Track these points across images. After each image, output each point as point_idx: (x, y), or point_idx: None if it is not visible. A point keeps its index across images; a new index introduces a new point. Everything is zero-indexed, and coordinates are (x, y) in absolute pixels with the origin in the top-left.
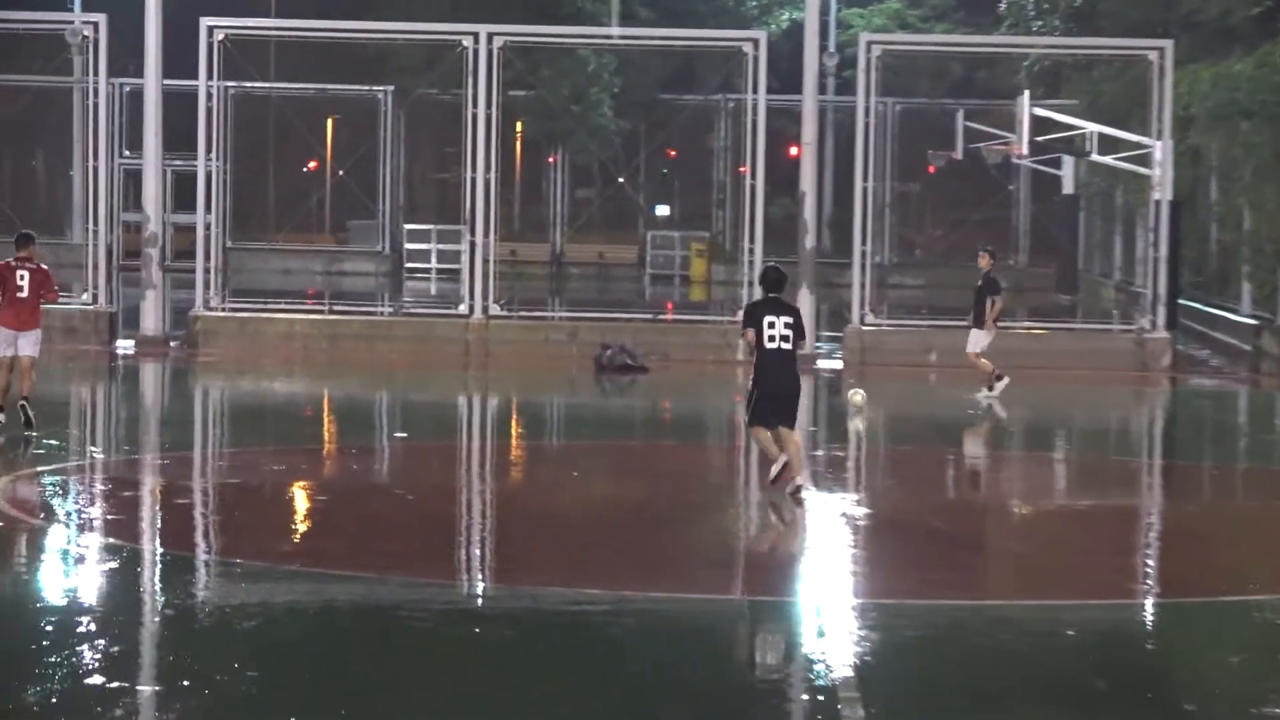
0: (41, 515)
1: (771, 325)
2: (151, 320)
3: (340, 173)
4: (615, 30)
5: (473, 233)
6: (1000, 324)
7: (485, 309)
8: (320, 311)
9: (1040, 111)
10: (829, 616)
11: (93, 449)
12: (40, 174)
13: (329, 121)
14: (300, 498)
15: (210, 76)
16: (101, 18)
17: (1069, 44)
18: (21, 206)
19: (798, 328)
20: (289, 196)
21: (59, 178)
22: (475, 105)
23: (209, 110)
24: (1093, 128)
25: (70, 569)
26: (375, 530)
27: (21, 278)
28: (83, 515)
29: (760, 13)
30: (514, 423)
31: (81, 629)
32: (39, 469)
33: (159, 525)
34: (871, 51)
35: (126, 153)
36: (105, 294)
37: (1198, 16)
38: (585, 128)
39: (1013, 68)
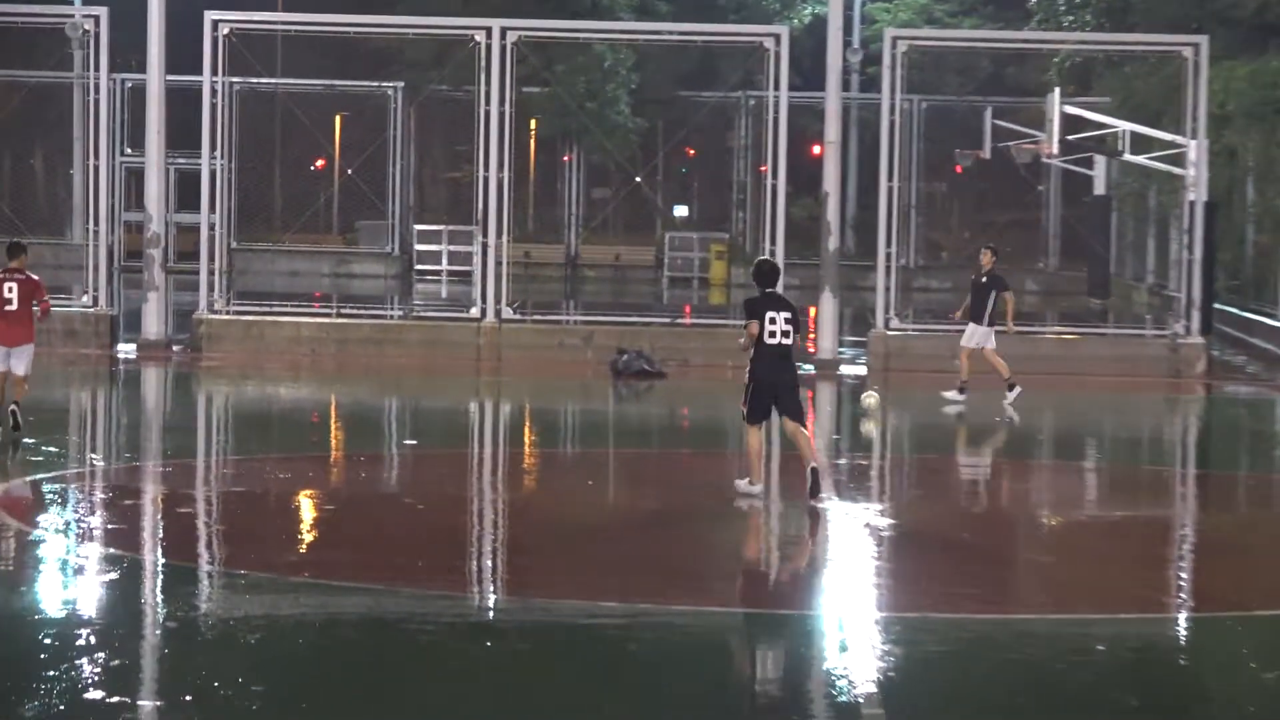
0: (40, 524)
1: (773, 321)
2: (154, 323)
3: (348, 171)
4: (632, 25)
5: (485, 234)
6: (1028, 329)
7: (498, 312)
8: (328, 314)
9: (1071, 109)
10: (852, 631)
11: (93, 456)
12: (40, 172)
13: (337, 119)
14: (307, 507)
15: (215, 72)
16: (103, 11)
17: (1101, 39)
18: (20, 206)
19: (797, 323)
20: (295, 196)
21: (59, 176)
22: (488, 102)
23: (213, 107)
24: (1125, 126)
25: (69, 580)
26: (384, 541)
27: (10, 290)
28: (82, 524)
29: (782, 7)
30: (527, 430)
31: (81, 642)
32: (38, 476)
33: (161, 535)
34: (897, 47)
35: (128, 150)
36: (106, 296)
37: (1234, 12)
38: (601, 125)
39: (1043, 64)
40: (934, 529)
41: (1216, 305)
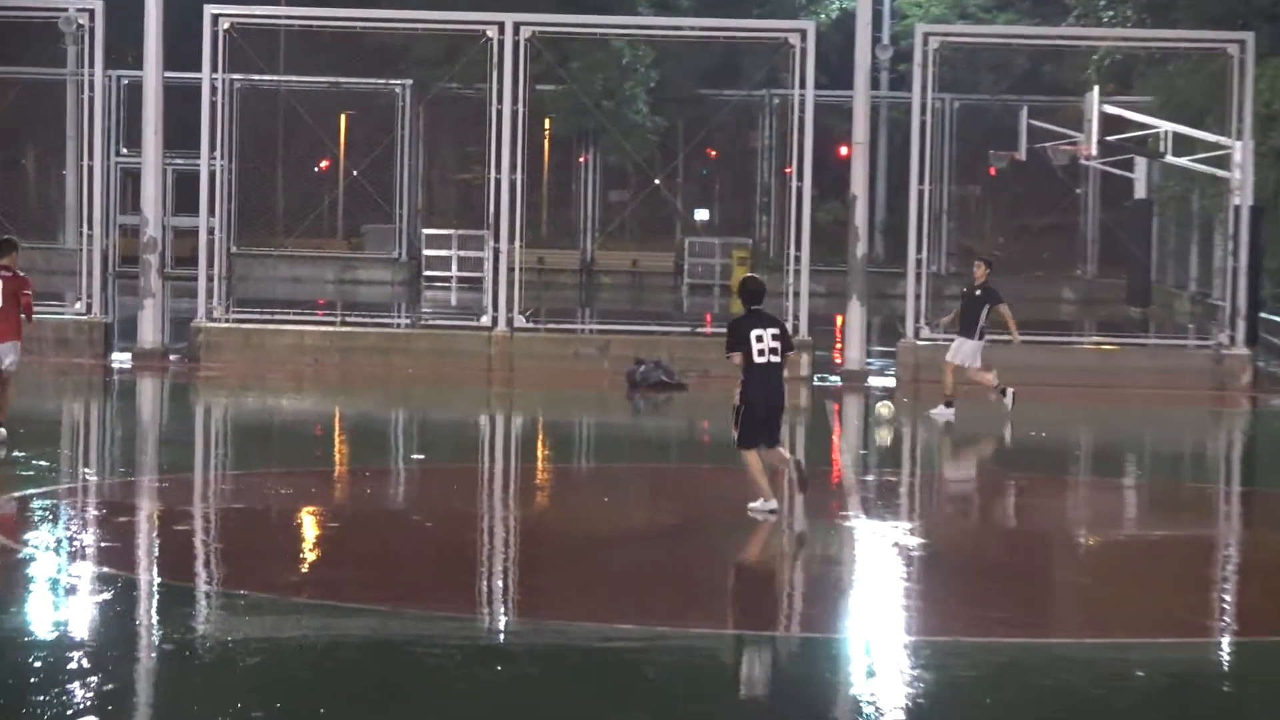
0: (29, 542)
1: (760, 339)
2: (150, 332)
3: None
4: (652, 19)
5: (496, 238)
6: (1064, 339)
7: (510, 321)
8: (332, 323)
9: (1111, 109)
10: (879, 655)
11: (86, 470)
12: (31, 173)
13: (342, 118)
14: (309, 524)
15: (214, 68)
16: (97, 4)
17: (1142, 36)
18: (11, 209)
19: (785, 339)
20: (299, 198)
21: (51, 178)
22: (500, 101)
23: (213, 105)
24: (1167, 127)
25: (60, 601)
26: (390, 559)
27: None
28: (74, 542)
29: (808, 1)
30: (540, 444)
31: (72, 666)
32: (28, 492)
33: (156, 553)
34: (929, 43)
35: (124, 151)
36: (100, 303)
37: None
38: (619, 125)
39: (1081, 62)
40: (965, 548)
41: (1263, 314)
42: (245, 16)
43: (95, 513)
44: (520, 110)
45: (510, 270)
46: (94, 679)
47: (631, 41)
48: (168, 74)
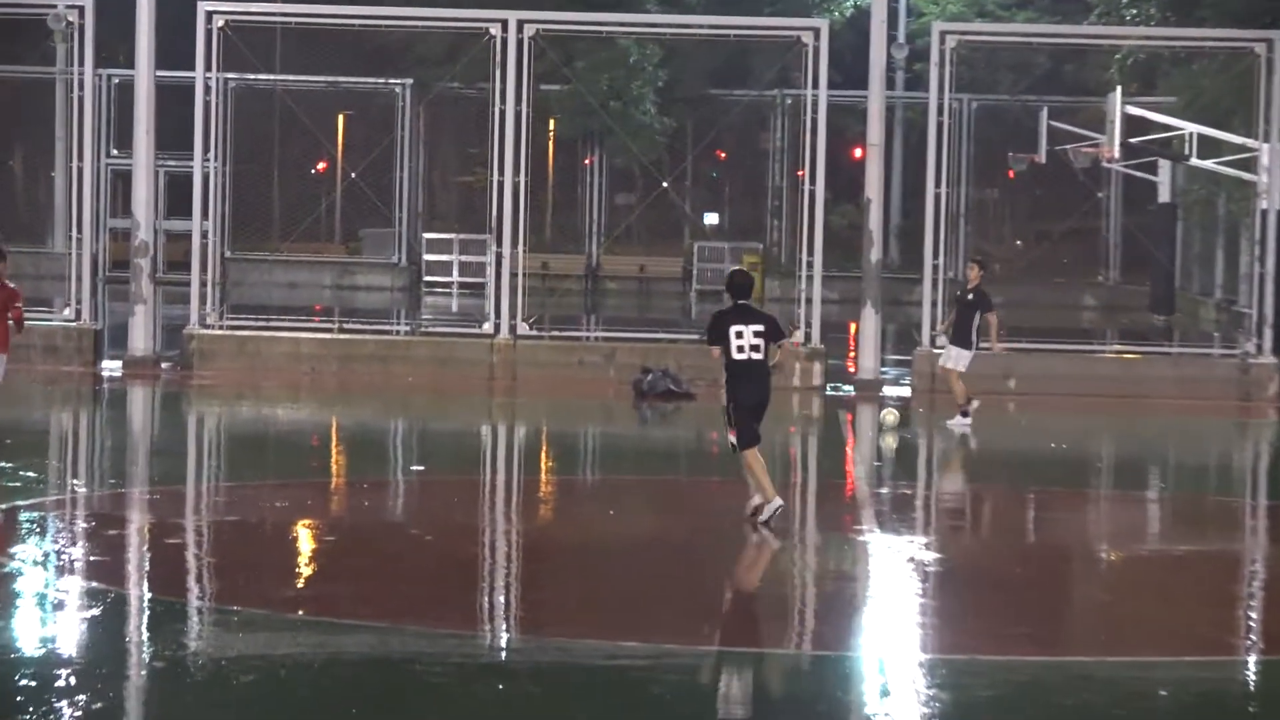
0: (16, 555)
1: (740, 335)
2: (141, 339)
3: (353, 175)
4: (660, 17)
5: (499, 243)
6: (1085, 347)
7: (513, 328)
8: (329, 330)
9: (1134, 110)
10: (894, 673)
11: (74, 482)
12: (19, 175)
13: (340, 118)
14: (305, 537)
15: (209, 67)
16: (87, 1)
17: (1166, 35)
18: None
19: (770, 334)
20: (295, 201)
21: (40, 179)
22: (503, 101)
23: (207, 105)
24: (1192, 128)
25: (47, 616)
26: (388, 574)
27: None
28: (63, 556)
29: None
30: (544, 455)
31: (60, 684)
32: (15, 504)
33: (147, 567)
34: (946, 42)
35: (114, 152)
36: (90, 309)
37: None
38: (626, 126)
39: (1103, 61)
40: (982, 563)
41: None
42: (240, 13)
43: (84, 525)
44: (524, 111)
45: (513, 276)
46: (82, 698)
47: (639, 40)
48: (160, 73)
